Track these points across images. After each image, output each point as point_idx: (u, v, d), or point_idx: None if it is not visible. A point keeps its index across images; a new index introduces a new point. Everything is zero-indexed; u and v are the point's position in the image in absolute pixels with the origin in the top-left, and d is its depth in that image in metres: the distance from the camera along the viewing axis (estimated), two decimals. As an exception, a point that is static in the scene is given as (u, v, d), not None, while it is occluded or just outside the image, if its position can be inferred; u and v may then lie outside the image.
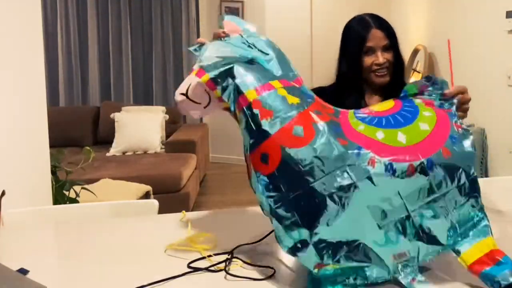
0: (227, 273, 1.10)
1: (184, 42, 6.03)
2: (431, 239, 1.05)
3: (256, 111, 1.04)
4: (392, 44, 1.73)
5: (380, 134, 1.06)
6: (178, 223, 1.40)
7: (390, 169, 1.01)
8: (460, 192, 1.06)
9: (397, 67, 1.75)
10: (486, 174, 3.53)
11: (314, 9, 5.94)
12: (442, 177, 1.04)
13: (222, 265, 1.13)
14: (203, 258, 1.17)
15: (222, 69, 1.10)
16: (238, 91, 1.08)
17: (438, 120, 1.13)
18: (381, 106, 1.20)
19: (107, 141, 5.16)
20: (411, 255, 1.04)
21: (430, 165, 1.03)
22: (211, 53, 1.17)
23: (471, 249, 1.06)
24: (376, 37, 1.70)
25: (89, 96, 6.05)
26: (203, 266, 1.13)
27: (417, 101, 1.20)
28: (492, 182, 2.11)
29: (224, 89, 1.10)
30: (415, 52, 4.77)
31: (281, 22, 5.87)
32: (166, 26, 6.04)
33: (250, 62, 1.14)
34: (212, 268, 1.12)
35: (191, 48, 1.27)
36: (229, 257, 1.16)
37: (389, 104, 1.20)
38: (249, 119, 1.05)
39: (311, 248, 1.00)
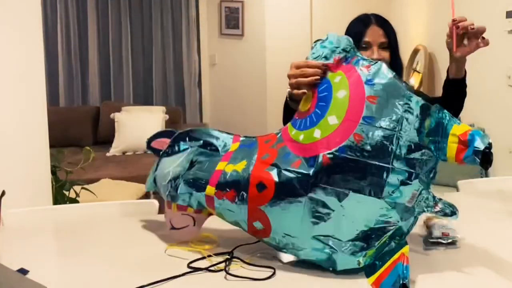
0: (227, 273, 1.10)
1: (184, 42, 6.03)
2: None
3: (222, 199, 1.16)
4: (391, 44, 1.72)
5: (301, 136, 1.13)
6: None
7: (311, 163, 1.07)
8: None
9: (394, 68, 1.73)
10: (486, 174, 3.53)
11: (314, 9, 5.94)
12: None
13: (222, 265, 1.13)
14: (203, 258, 1.17)
15: (179, 191, 1.22)
16: (200, 196, 1.20)
17: (350, 100, 1.12)
18: (303, 105, 1.20)
19: (107, 141, 5.15)
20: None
21: (342, 152, 1.06)
22: (160, 180, 1.30)
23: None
24: (374, 33, 1.70)
25: (89, 96, 6.05)
26: (203, 266, 1.13)
27: (335, 80, 1.18)
28: (492, 182, 2.12)
29: (192, 205, 1.22)
30: (415, 52, 4.77)
31: (281, 22, 5.87)
32: (166, 26, 6.04)
33: (192, 164, 1.24)
34: (212, 268, 1.12)
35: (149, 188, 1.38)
36: (229, 257, 1.16)
37: (309, 99, 1.20)
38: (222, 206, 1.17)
39: (340, 254, 1.09)
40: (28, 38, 2.21)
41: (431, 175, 1.11)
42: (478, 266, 1.16)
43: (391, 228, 1.09)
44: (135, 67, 6.10)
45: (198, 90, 6.12)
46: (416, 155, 1.07)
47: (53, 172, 2.48)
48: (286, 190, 1.07)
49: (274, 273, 1.10)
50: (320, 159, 1.06)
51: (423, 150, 1.08)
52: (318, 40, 1.26)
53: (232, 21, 5.99)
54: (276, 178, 1.08)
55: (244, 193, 1.11)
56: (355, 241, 1.08)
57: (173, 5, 6.03)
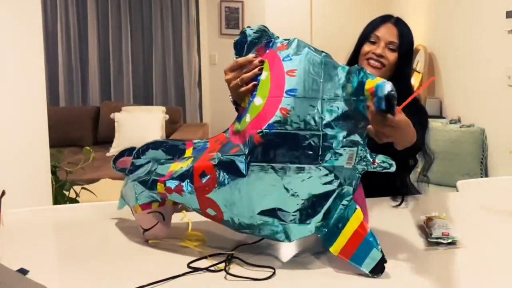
0: (227, 273, 1.10)
1: (184, 42, 6.03)
2: None
3: (172, 194, 1.21)
4: (401, 48, 1.67)
5: (239, 126, 1.18)
6: (178, 223, 1.40)
7: (246, 146, 1.11)
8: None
9: (398, 72, 1.68)
10: (486, 174, 3.53)
11: (314, 9, 5.94)
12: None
13: (222, 265, 1.13)
14: (203, 258, 1.17)
15: (136, 192, 1.26)
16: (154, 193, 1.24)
17: (272, 78, 1.17)
18: (245, 102, 1.26)
19: (107, 141, 5.15)
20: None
21: (271, 129, 1.09)
22: (127, 197, 1.33)
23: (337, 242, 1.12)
24: (386, 30, 1.68)
25: (89, 96, 6.05)
26: (203, 266, 1.13)
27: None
28: (492, 182, 2.12)
29: (155, 200, 1.25)
30: (415, 52, 4.77)
31: (281, 22, 5.86)
32: (166, 26, 6.04)
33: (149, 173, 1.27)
34: (212, 268, 1.12)
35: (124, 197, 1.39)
36: (229, 257, 1.16)
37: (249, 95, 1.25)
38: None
39: (290, 225, 1.12)
40: (28, 38, 2.22)
41: (365, 133, 1.11)
42: (478, 266, 1.16)
43: (335, 192, 1.11)
44: (135, 67, 6.10)
45: (198, 90, 6.13)
46: (345, 117, 1.10)
47: (53, 172, 2.48)
48: (226, 173, 1.12)
49: (274, 273, 1.10)
50: (252, 139, 1.09)
51: (351, 112, 1.10)
52: (236, 39, 1.34)
53: (232, 21, 6.00)
54: (215, 163, 1.13)
55: (189, 185, 1.16)
56: (301, 210, 1.11)
57: (173, 5, 6.03)
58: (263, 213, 1.12)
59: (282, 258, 1.19)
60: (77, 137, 5.27)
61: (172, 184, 1.19)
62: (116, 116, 5.12)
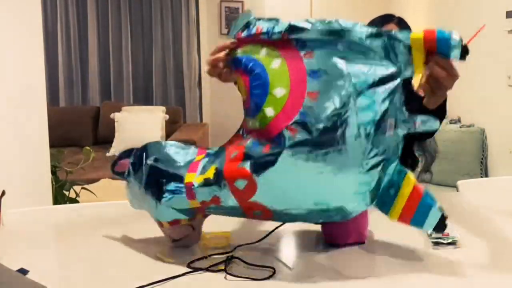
0: (227, 273, 1.10)
1: (184, 42, 6.03)
2: None
3: (210, 206, 1.16)
4: None
5: (257, 123, 1.11)
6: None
7: (279, 141, 1.04)
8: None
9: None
10: (486, 174, 3.53)
11: (314, 10, 5.94)
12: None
13: (222, 265, 1.13)
14: (203, 258, 1.17)
15: (160, 210, 1.19)
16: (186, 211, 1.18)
17: (289, 70, 1.10)
18: (242, 95, 1.21)
19: (107, 141, 5.16)
20: None
21: (304, 118, 1.04)
22: (138, 204, 1.27)
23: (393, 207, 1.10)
24: (389, 29, 1.68)
25: (89, 96, 6.05)
26: (203, 266, 1.12)
27: (260, 56, 1.17)
28: (492, 182, 2.11)
29: (182, 218, 1.18)
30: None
31: (281, 22, 5.88)
32: (166, 26, 6.04)
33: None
34: (212, 268, 1.12)
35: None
36: (229, 257, 1.16)
37: (241, 86, 1.21)
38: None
39: (349, 204, 1.11)
40: (28, 38, 2.22)
41: (403, 97, 1.09)
42: (478, 266, 1.16)
43: (381, 164, 1.08)
44: (135, 67, 6.10)
45: (198, 90, 6.12)
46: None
47: (53, 172, 2.49)
48: (265, 174, 1.05)
49: (274, 273, 1.10)
50: (287, 132, 1.04)
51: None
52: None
53: (232, 21, 5.98)
54: (250, 169, 1.06)
55: (226, 197, 1.10)
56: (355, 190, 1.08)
57: (173, 5, 6.03)
58: (318, 201, 1.09)
59: (282, 258, 1.19)
60: (77, 137, 5.27)
61: (205, 196, 1.13)
62: (116, 116, 5.12)
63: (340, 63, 1.07)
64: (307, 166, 1.04)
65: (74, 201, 2.52)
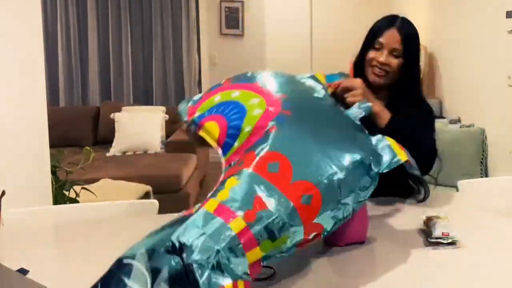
0: (227, 273, 1.10)
1: (184, 42, 6.03)
2: None
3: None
4: (406, 54, 1.66)
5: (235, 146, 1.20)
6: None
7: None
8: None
9: (405, 75, 1.68)
10: (486, 174, 3.53)
11: (314, 9, 5.94)
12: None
13: (222, 265, 1.12)
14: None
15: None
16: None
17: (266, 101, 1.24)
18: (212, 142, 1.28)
19: (107, 141, 5.15)
20: None
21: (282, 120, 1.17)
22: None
23: None
24: (390, 36, 1.66)
25: (89, 96, 6.05)
26: (203, 266, 1.12)
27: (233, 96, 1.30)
28: (492, 182, 2.11)
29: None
30: (415, 52, 4.77)
31: (281, 22, 5.87)
32: (166, 26, 6.04)
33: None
34: (212, 268, 1.12)
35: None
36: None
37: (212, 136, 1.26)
38: None
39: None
40: (28, 38, 2.21)
41: None
42: (478, 266, 1.16)
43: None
44: (135, 67, 6.10)
45: (198, 90, 6.12)
46: None
47: (53, 172, 2.48)
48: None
49: (274, 273, 1.10)
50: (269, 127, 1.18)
51: None
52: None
53: (232, 21, 6.00)
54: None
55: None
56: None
57: (173, 5, 6.03)
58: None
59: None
60: (77, 137, 5.27)
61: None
62: (116, 116, 5.11)
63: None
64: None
65: (74, 201, 2.51)
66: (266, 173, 1.03)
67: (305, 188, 1.02)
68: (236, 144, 1.16)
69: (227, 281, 0.87)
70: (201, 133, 1.29)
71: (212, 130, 1.25)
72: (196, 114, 1.31)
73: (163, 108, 5.33)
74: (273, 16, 5.87)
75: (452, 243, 1.24)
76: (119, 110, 5.20)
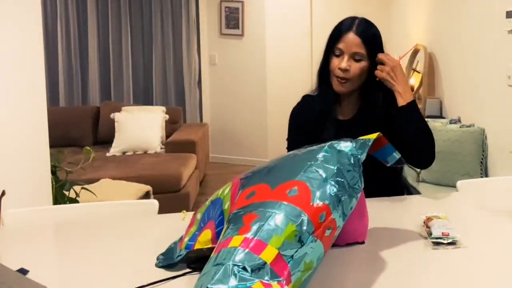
0: (227, 273, 1.10)
1: (184, 42, 6.03)
2: None
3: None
4: (370, 55, 1.63)
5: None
6: (178, 223, 1.40)
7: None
8: None
9: (372, 78, 1.66)
10: (486, 174, 3.53)
11: (314, 9, 5.94)
12: None
13: (222, 265, 1.12)
14: (203, 258, 1.17)
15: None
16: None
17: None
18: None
19: (107, 141, 5.15)
20: None
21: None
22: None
23: None
24: (349, 41, 1.62)
25: (89, 96, 6.06)
26: (203, 266, 1.12)
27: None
28: (492, 182, 2.11)
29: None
30: (415, 52, 4.77)
31: (281, 22, 5.87)
32: (166, 26, 6.05)
33: None
34: (212, 268, 1.12)
35: None
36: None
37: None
38: None
39: None
40: (28, 38, 2.22)
41: None
42: (478, 266, 1.16)
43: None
44: (135, 67, 6.10)
45: (198, 90, 6.13)
46: None
47: (53, 172, 2.48)
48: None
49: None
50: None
51: None
52: None
53: (232, 21, 6.00)
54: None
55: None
56: None
57: (173, 5, 6.03)
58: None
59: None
60: (77, 137, 5.27)
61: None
62: (116, 116, 5.12)
63: None
64: None
65: (74, 201, 2.51)
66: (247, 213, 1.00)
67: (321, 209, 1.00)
68: (225, 224, 1.06)
69: None
70: (196, 246, 1.14)
71: (206, 237, 1.14)
72: (186, 239, 1.17)
73: (163, 108, 5.34)
74: (273, 16, 5.87)
75: (452, 243, 1.24)
76: (119, 110, 5.20)
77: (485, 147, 3.52)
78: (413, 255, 1.20)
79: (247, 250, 0.91)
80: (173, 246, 1.20)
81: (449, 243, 1.24)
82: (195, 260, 1.13)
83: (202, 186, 5.21)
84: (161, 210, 1.63)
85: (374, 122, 1.65)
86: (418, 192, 1.76)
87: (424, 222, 1.34)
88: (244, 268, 0.88)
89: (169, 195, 4.07)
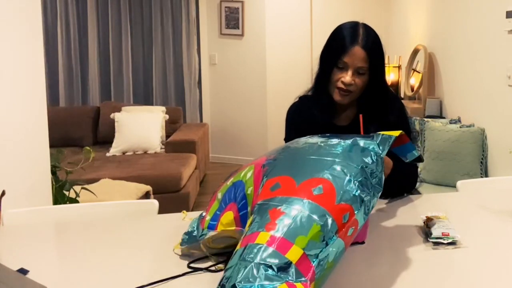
0: (227, 273, 1.10)
1: (184, 42, 6.03)
2: None
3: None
4: (371, 68, 1.61)
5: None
6: (178, 223, 1.40)
7: None
8: None
9: (373, 84, 1.65)
10: (486, 174, 3.53)
11: (314, 9, 5.94)
12: None
13: (222, 265, 1.13)
14: (203, 258, 1.17)
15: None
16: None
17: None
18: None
19: (107, 141, 5.16)
20: None
21: None
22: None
23: None
24: (355, 55, 1.59)
25: (89, 96, 6.06)
26: (203, 266, 1.13)
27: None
28: (492, 182, 2.11)
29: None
30: (415, 52, 4.77)
31: (281, 22, 5.87)
32: (166, 26, 6.05)
33: None
34: (212, 268, 1.12)
35: None
36: (229, 257, 1.16)
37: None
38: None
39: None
40: (28, 38, 2.22)
41: None
42: (478, 266, 1.16)
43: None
44: (135, 67, 6.10)
45: (198, 90, 6.13)
46: None
47: (53, 172, 2.48)
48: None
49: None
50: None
51: None
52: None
53: (232, 21, 6.00)
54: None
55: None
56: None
57: (173, 5, 6.03)
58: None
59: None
60: (77, 137, 5.28)
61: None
62: (116, 116, 5.12)
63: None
64: None
65: (74, 201, 2.51)
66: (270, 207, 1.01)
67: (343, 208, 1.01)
68: (249, 208, 1.12)
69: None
70: (219, 228, 1.17)
71: (228, 218, 1.17)
72: (207, 218, 1.20)
73: (163, 108, 5.34)
74: (273, 16, 5.87)
75: (452, 243, 1.24)
76: (119, 110, 5.20)
77: (485, 147, 3.52)
78: (413, 255, 1.20)
79: (273, 248, 0.92)
80: (194, 225, 1.21)
81: (449, 243, 1.24)
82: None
83: (202, 186, 5.21)
84: (161, 210, 1.63)
85: (370, 129, 1.64)
86: (418, 192, 1.76)
87: (424, 222, 1.34)
88: (271, 267, 0.89)
89: (169, 195, 4.07)
